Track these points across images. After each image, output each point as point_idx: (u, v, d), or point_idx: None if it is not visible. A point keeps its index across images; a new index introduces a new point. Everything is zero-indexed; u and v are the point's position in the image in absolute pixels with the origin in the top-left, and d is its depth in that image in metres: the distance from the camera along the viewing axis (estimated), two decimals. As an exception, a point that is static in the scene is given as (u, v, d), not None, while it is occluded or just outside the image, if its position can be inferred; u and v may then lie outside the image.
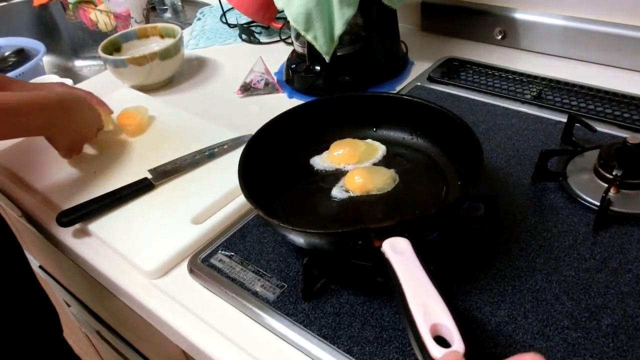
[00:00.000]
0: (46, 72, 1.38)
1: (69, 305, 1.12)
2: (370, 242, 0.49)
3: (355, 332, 0.53)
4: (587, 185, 0.65)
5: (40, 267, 1.12)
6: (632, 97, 0.78)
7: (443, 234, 0.59)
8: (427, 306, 0.37)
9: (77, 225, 0.71)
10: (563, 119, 0.74)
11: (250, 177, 0.62)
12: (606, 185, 0.62)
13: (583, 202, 0.63)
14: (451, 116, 0.64)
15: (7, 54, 1.42)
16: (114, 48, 1.06)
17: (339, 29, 0.82)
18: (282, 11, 0.85)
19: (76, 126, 0.77)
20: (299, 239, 0.54)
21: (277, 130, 0.69)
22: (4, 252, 0.79)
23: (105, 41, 1.04)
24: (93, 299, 0.97)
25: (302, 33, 0.83)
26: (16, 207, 0.81)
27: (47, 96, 0.74)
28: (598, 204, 0.61)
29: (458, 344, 0.34)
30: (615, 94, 0.80)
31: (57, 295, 1.14)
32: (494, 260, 0.58)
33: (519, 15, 0.94)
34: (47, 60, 1.64)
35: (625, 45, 0.84)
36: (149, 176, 0.75)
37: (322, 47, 0.84)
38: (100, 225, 0.70)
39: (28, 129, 0.73)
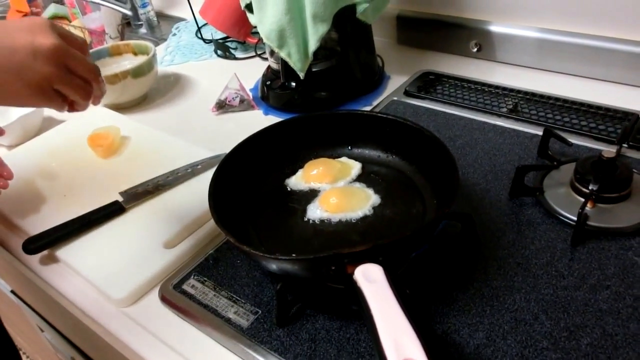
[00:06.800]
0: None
1: (42, 331, 1.09)
2: (344, 268, 0.47)
3: (331, 359, 0.52)
4: (564, 200, 0.64)
5: (12, 292, 1.09)
6: (607, 109, 0.78)
7: (420, 254, 0.58)
8: (398, 340, 0.35)
9: (45, 252, 0.69)
10: (539, 132, 0.73)
11: (222, 200, 0.60)
12: (583, 199, 0.62)
13: (560, 217, 0.63)
14: (426, 133, 0.63)
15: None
16: (86, 66, 1.04)
17: (313, 45, 0.81)
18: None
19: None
20: (270, 265, 0.53)
21: (249, 152, 0.67)
22: None
23: (76, 59, 1.02)
24: (66, 325, 0.94)
25: (276, 50, 0.82)
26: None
27: None
28: (575, 218, 0.60)
29: (430, 381, 0.32)
30: (590, 106, 0.80)
31: (30, 321, 1.11)
32: (472, 279, 0.57)
33: (494, 28, 0.94)
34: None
35: (601, 57, 0.85)
36: (120, 199, 0.73)
37: (296, 63, 0.83)
38: (68, 252, 0.68)
39: None
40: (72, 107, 0.58)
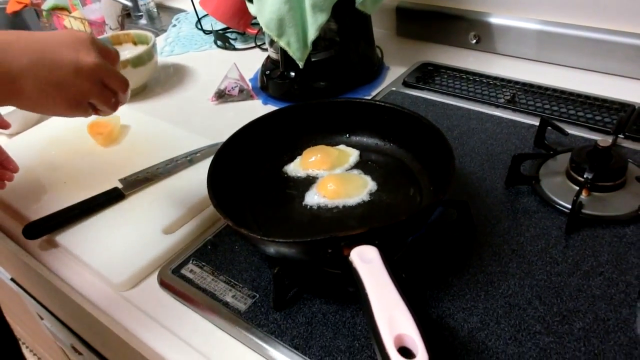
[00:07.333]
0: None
1: (42, 319, 1.10)
2: (340, 251, 0.48)
3: (327, 342, 0.52)
4: (559, 189, 0.65)
5: (12, 279, 1.09)
6: (603, 100, 0.79)
7: (416, 240, 0.59)
8: (392, 317, 0.36)
9: (45, 237, 0.70)
10: (536, 122, 0.74)
11: (221, 185, 0.61)
12: (578, 188, 0.62)
13: (555, 205, 0.63)
14: (423, 121, 0.64)
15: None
16: (86, 55, 1.04)
17: (312, 34, 0.81)
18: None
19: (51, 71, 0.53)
20: (268, 249, 0.53)
21: (248, 138, 0.68)
22: None
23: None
24: (65, 312, 0.95)
25: (275, 39, 0.82)
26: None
27: None
28: (570, 207, 0.61)
29: (422, 355, 0.33)
30: (587, 97, 0.80)
31: (30, 309, 1.12)
32: (467, 265, 0.58)
33: (493, 20, 0.95)
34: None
35: (599, 49, 0.85)
36: (120, 186, 0.74)
37: (296, 53, 0.83)
38: (68, 237, 0.68)
39: None
40: (97, 112, 0.61)
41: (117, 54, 0.61)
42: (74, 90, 0.54)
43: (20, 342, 1.70)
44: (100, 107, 0.59)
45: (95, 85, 0.56)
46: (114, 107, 0.61)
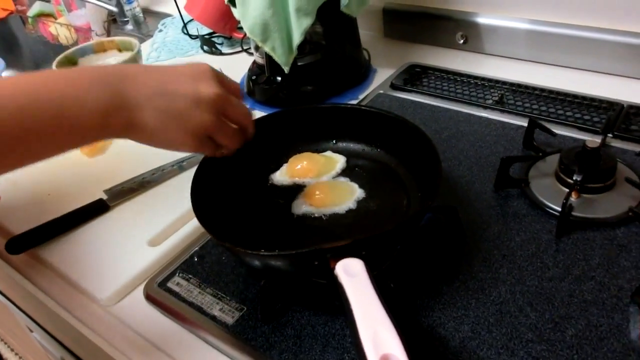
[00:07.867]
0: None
1: (32, 331, 1.08)
2: (327, 263, 0.47)
3: (316, 355, 0.51)
4: (549, 191, 0.64)
5: (0, 292, 1.08)
6: (592, 99, 0.78)
7: (405, 248, 0.58)
8: (377, 335, 0.35)
9: (29, 251, 0.68)
10: (524, 123, 0.73)
11: (205, 196, 0.60)
12: (567, 190, 0.61)
13: (545, 208, 0.62)
14: (409, 125, 0.63)
15: (-35, 70, 1.37)
16: (71, 63, 1.02)
17: (297, 38, 0.80)
18: (241, 21, 0.83)
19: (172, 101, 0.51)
20: (254, 261, 0.52)
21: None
22: None
23: (60, 56, 1.01)
24: (54, 325, 0.94)
25: (260, 44, 0.81)
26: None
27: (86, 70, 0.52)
28: (560, 209, 0.60)
29: (408, 376, 0.32)
30: (575, 96, 0.80)
31: (19, 321, 1.10)
32: (458, 272, 0.57)
33: (480, 20, 0.94)
34: (7, 75, 1.60)
35: (586, 47, 0.84)
36: (105, 197, 0.73)
37: (281, 57, 0.82)
38: (51, 251, 0.67)
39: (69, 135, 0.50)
40: (220, 150, 0.58)
41: (237, 87, 0.58)
42: (192, 122, 0.52)
43: (14, 353, 1.68)
44: (223, 143, 0.56)
45: (216, 117, 0.53)
46: (236, 144, 0.58)
